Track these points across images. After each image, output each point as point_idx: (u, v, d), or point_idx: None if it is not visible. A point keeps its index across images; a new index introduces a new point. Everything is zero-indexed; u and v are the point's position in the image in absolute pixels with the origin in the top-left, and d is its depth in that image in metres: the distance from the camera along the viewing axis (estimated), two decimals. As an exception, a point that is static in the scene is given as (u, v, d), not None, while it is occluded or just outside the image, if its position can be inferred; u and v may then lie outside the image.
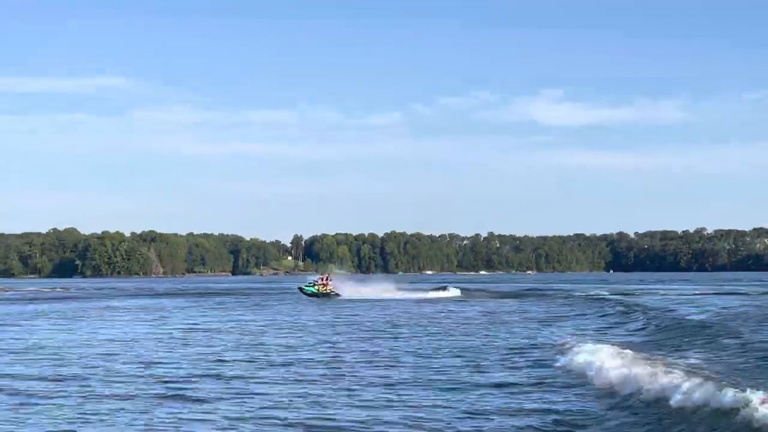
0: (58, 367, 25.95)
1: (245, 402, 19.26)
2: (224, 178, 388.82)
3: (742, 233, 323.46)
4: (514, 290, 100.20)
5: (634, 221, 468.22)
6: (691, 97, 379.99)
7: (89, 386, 21.74)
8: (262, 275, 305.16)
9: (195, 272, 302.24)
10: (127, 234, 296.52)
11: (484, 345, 31.99)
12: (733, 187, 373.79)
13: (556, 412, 17.39)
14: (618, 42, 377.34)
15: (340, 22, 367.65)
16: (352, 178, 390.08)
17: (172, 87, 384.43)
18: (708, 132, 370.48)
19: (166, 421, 17.29)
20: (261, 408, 18.34)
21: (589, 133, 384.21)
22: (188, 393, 20.76)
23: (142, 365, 26.51)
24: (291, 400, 19.19)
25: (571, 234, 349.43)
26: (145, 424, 16.94)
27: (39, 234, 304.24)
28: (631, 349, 24.33)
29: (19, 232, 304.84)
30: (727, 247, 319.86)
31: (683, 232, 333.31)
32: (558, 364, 24.52)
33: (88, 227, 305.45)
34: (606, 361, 21.99)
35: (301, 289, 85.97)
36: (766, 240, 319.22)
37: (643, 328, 37.73)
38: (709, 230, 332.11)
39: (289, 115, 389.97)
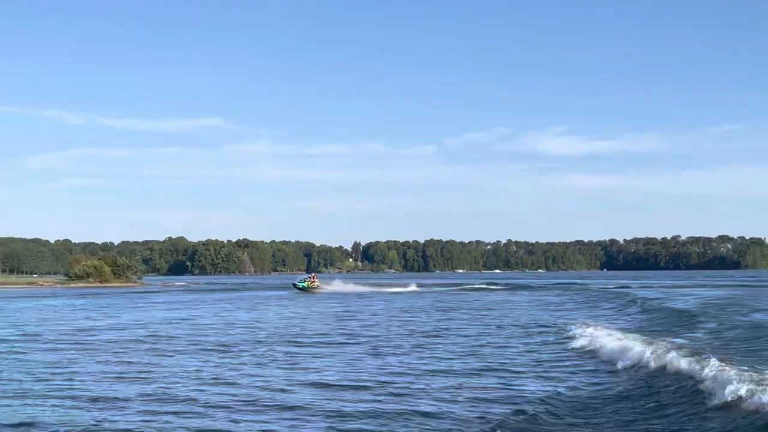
0: (254, 333, 32.69)
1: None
2: (298, 197, 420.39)
3: (709, 239, 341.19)
4: (531, 284, 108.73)
5: (623, 230, 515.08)
6: (667, 130, 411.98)
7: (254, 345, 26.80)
8: (329, 273, 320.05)
9: (277, 271, 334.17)
10: (226, 241, 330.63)
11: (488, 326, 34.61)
12: (701, 202, 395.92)
13: (572, 382, 18.03)
14: (609, 85, 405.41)
15: (386, 69, 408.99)
16: (397, 197, 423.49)
17: (257, 126, 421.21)
18: (680, 159, 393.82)
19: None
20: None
21: (585, 160, 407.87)
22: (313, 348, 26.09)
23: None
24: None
25: (573, 240, 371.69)
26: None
27: (157, 242, 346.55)
28: (627, 330, 27.29)
29: (141, 240, 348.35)
30: (697, 251, 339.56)
31: (662, 238, 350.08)
32: (570, 344, 25.77)
33: (195, 236, 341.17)
34: (607, 339, 24.14)
35: (294, 285, 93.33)
36: (728, 245, 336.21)
37: (638, 314, 40.44)
38: (683, 237, 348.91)
39: (347, 147, 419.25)
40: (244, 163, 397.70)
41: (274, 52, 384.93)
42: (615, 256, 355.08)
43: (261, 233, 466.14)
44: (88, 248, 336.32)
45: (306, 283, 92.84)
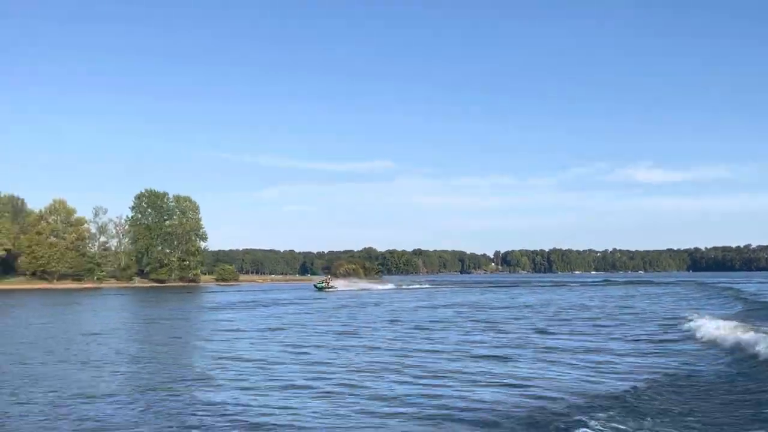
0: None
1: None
2: (450, 217, 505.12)
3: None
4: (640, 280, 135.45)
5: (705, 239, 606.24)
6: (731, 160, 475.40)
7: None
8: (478, 274, 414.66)
9: (441, 272, 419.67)
10: (401, 250, 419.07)
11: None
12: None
13: (685, 363, 19.86)
14: (689, 124, 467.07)
15: (513, 115, 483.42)
16: (524, 218, 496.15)
17: (418, 165, 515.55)
18: (746, 185, 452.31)
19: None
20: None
21: (671, 186, 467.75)
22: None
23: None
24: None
25: (665, 248, 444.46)
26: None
27: (354, 251, 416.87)
28: (732, 320, 29.08)
29: (342, 249, 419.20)
30: (765, 256, 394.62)
31: (736, 246, 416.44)
32: (682, 331, 28.63)
33: (382, 246, 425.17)
34: (714, 327, 25.62)
35: (315, 285, 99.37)
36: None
37: (737, 306, 43.51)
38: (753, 245, 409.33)
39: (481, 180, 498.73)
40: (409, 193, 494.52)
41: (421, 104, 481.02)
42: (699, 261, 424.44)
43: (429, 244, 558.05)
44: (308, 256, 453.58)
45: (323, 284, 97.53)
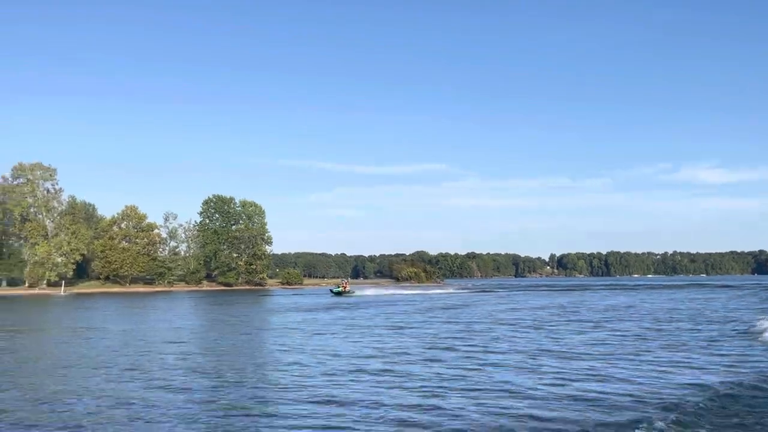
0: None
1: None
2: (502, 219, 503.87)
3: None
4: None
5: None
6: None
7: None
8: (533, 277, 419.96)
9: (495, 276, 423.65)
10: (459, 253, 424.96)
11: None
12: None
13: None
14: (755, 123, 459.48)
15: (572, 116, 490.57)
16: (579, 219, 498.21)
17: (465, 167, 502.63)
18: None
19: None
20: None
21: (733, 186, 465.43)
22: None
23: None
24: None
25: (728, 251, 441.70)
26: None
27: (406, 253, 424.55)
28: None
29: (393, 253, 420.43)
30: None
31: None
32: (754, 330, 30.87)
33: (433, 249, 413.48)
34: None
35: (331, 290, 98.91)
36: None
37: None
38: None
39: (534, 182, 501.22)
40: (460, 195, 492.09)
41: (471, 106, 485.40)
42: (764, 264, 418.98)
43: (477, 247, 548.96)
44: (359, 259, 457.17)
45: (340, 288, 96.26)
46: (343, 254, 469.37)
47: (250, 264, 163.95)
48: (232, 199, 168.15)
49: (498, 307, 63.79)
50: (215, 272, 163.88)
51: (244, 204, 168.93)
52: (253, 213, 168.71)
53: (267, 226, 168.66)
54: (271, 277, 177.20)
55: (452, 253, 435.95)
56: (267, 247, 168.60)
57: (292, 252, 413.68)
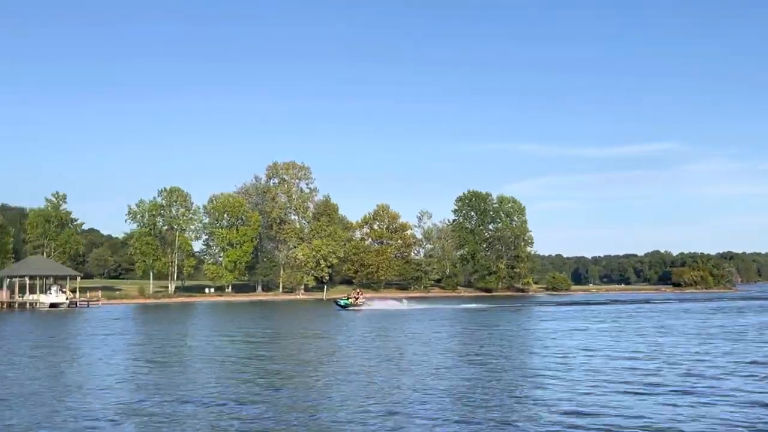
0: None
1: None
2: (763, 210, 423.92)
3: None
4: None
5: None
6: None
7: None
8: None
9: (757, 281, 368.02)
10: (708, 253, 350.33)
11: None
12: None
13: None
14: None
15: None
16: None
17: (714, 145, 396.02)
18: None
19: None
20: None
21: None
22: None
23: None
24: None
25: None
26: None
27: (637, 255, 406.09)
28: None
29: (621, 253, 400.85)
30: None
31: None
32: None
33: (673, 248, 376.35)
34: None
35: (337, 302, 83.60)
36: None
37: None
38: None
39: None
40: (705, 181, 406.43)
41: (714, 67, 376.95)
42: None
43: (732, 245, 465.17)
44: (581, 261, 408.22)
45: (349, 300, 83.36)
46: (559, 255, 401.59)
47: (513, 267, 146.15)
48: (488, 195, 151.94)
49: None
50: (474, 276, 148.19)
51: (501, 200, 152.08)
52: (511, 210, 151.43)
53: (527, 224, 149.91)
54: (535, 282, 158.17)
55: (699, 252, 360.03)
56: (528, 248, 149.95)
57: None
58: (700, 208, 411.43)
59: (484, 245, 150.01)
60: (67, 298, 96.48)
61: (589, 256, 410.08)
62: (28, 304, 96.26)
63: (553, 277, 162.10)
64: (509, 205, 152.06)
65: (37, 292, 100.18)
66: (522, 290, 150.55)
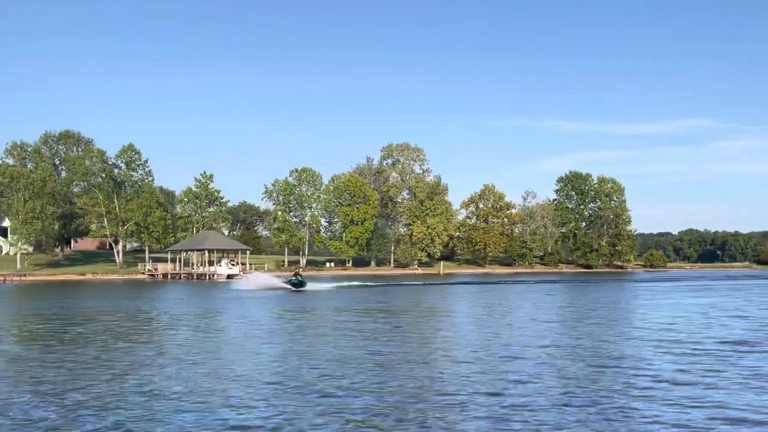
0: None
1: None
2: None
3: None
4: None
5: None
6: None
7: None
8: None
9: None
10: (753, 231, 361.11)
11: None
12: None
13: None
14: None
15: None
16: None
17: (747, 120, 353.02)
18: None
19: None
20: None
21: None
22: None
23: None
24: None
25: None
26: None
27: (672, 233, 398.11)
28: None
29: (654, 231, 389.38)
30: None
31: None
32: None
33: (713, 226, 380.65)
34: None
35: (290, 280, 66.32)
36: None
37: None
38: None
39: None
40: (732, 159, 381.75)
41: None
42: None
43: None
44: None
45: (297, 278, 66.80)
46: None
47: (615, 245, 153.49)
48: (589, 175, 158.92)
49: None
50: (576, 253, 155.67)
51: (601, 181, 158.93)
52: (611, 191, 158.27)
53: (627, 204, 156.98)
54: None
55: (741, 231, 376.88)
56: (627, 227, 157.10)
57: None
58: (734, 186, 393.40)
59: (584, 224, 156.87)
60: (239, 271, 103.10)
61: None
62: (207, 276, 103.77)
63: (651, 255, 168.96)
64: (609, 185, 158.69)
65: (205, 265, 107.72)
66: (621, 267, 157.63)
